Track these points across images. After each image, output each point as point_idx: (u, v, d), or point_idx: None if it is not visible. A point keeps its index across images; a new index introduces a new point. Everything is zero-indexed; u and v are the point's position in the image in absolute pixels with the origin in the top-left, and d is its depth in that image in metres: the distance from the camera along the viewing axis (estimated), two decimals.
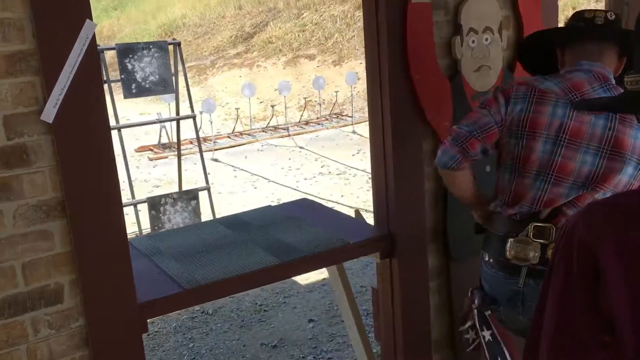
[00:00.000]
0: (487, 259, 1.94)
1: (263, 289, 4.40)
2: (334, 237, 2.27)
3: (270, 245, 2.22)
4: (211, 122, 9.62)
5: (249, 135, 10.56)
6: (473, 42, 2.27)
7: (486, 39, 2.30)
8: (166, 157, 9.20)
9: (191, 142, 9.95)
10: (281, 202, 6.59)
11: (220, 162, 8.95)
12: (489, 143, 1.86)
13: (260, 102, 13.35)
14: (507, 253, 1.84)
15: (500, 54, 2.36)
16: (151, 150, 9.72)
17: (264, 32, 17.93)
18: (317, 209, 2.69)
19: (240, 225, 2.48)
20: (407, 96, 2.20)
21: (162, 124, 9.17)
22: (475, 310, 1.96)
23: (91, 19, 1.63)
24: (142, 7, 23.34)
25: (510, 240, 1.83)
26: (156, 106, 11.90)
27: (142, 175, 8.31)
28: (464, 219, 2.39)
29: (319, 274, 4.38)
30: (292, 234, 2.32)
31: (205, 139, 10.13)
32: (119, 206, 1.70)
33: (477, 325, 1.96)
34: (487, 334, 1.94)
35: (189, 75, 18.52)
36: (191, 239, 2.34)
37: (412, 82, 2.19)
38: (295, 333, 3.84)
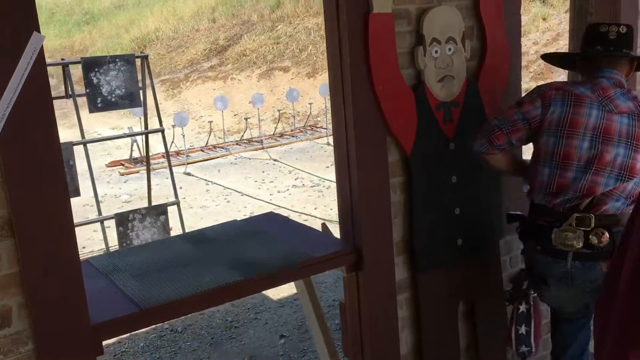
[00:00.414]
0: (535, 247, 2.22)
1: (234, 305, 4.32)
2: (298, 251, 2.23)
3: (232, 261, 2.17)
4: (183, 135, 9.53)
5: (223, 148, 10.48)
6: (436, 52, 2.26)
7: (449, 49, 2.29)
8: (137, 172, 9.07)
9: (163, 156, 9.83)
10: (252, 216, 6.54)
11: (192, 176, 8.86)
12: (514, 137, 2.19)
13: (235, 115, 13.28)
14: (554, 241, 2.12)
15: (464, 64, 2.34)
16: (122, 165, 9.59)
17: (238, 45, 17.90)
18: (283, 222, 2.65)
19: (203, 241, 2.42)
20: (370, 107, 2.17)
21: (134, 138, 9.05)
22: (523, 289, 2.26)
23: (39, 30, 1.57)
24: (115, 21, 23.16)
25: (555, 229, 2.11)
26: (128, 120, 11.76)
27: (113, 191, 8.18)
28: (431, 231, 2.37)
29: (291, 289, 4.32)
30: (255, 249, 2.27)
31: (178, 153, 10.04)
32: (69, 224, 1.63)
33: (517, 298, 2.28)
34: (523, 307, 2.27)
35: (162, 88, 18.37)
36: (152, 257, 2.27)
37: (376, 93, 2.16)
38: (266, 349, 3.77)
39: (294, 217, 6.55)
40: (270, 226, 2.55)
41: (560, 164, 2.12)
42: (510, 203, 2.60)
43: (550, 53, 2.53)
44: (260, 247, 2.29)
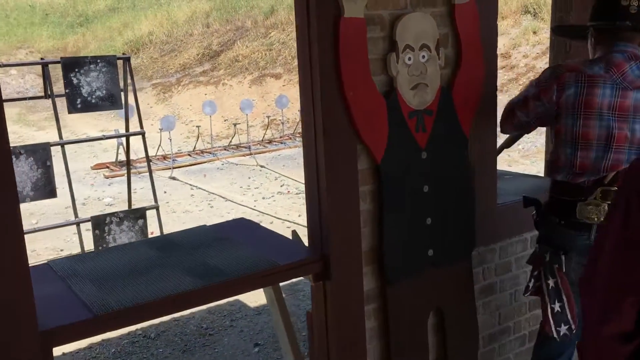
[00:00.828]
0: (559, 221, 2.26)
1: (210, 312, 4.26)
2: (264, 258, 2.18)
3: (196, 267, 2.11)
4: (170, 139, 9.47)
5: (210, 153, 10.42)
6: (409, 59, 2.22)
7: (423, 57, 2.25)
8: (123, 175, 8.98)
9: (150, 160, 9.77)
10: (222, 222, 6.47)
11: (178, 180, 8.79)
12: (539, 124, 2.36)
13: (225, 120, 13.24)
14: (578, 214, 2.17)
15: (438, 71, 2.31)
16: (108, 167, 9.51)
17: (231, 51, 17.88)
18: (252, 229, 2.60)
19: (169, 246, 2.36)
20: (340, 114, 2.13)
21: (120, 141, 8.97)
22: (546, 262, 2.28)
23: None
24: (109, 23, 23.11)
25: (580, 203, 2.17)
26: (117, 123, 11.69)
27: (97, 194, 8.10)
28: (401, 241, 2.33)
29: None
30: (221, 256, 2.22)
31: (164, 157, 9.97)
32: (18, 229, 1.58)
33: (543, 275, 2.30)
34: (551, 282, 2.29)
35: (154, 92, 18.32)
36: (114, 261, 2.22)
37: (346, 99, 2.12)
38: (240, 358, 3.70)
39: (277, 223, 6.50)
40: (239, 232, 2.50)
41: (580, 144, 2.17)
42: (483, 214, 2.56)
43: (564, 25, 2.61)
44: (225, 254, 2.24)
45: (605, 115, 2.13)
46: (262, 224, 6.59)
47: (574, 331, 2.29)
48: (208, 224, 2.70)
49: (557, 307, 2.30)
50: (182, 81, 17.45)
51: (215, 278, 2.01)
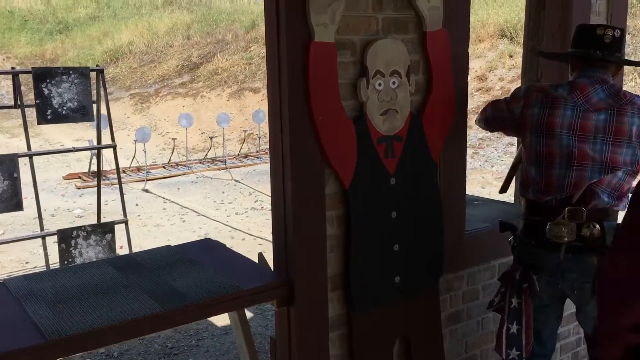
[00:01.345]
0: (530, 241, 2.30)
1: (176, 330, 4.18)
2: (227, 282, 2.14)
3: (156, 290, 2.06)
4: (145, 151, 9.36)
5: (185, 166, 10.32)
6: (379, 85, 2.21)
7: (393, 83, 2.24)
8: (95, 186, 8.84)
9: (124, 172, 9.65)
10: (206, 237, 6.39)
11: (151, 193, 8.68)
12: (502, 129, 2.53)
13: (202, 133, 13.15)
14: (547, 234, 2.19)
15: (408, 98, 2.30)
16: (80, 178, 9.36)
17: (211, 63, 17.83)
18: (218, 250, 2.55)
19: (131, 266, 2.31)
20: (309, 138, 2.11)
21: (94, 151, 8.84)
22: (516, 281, 2.30)
23: None
24: (89, 31, 22.92)
25: (549, 223, 2.19)
26: (92, 133, 11.53)
27: (67, 205, 7.96)
28: (368, 267, 2.30)
29: None
30: (183, 279, 2.17)
31: (139, 169, 9.86)
32: None
33: (509, 293, 2.32)
34: (514, 302, 2.29)
35: (131, 102, 18.16)
36: (73, 281, 2.16)
37: (315, 123, 2.10)
38: None
39: (249, 240, 6.44)
40: (204, 254, 2.45)
41: (545, 162, 2.24)
42: (452, 240, 2.55)
43: (545, 52, 2.81)
44: (189, 277, 2.19)
45: (564, 135, 2.19)
46: (233, 239, 6.52)
47: (524, 359, 2.28)
48: (178, 240, 2.66)
49: (513, 328, 2.31)
50: (160, 92, 17.35)
51: (177, 302, 1.96)
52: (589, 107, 2.18)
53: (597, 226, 2.14)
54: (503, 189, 2.99)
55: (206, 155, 11.18)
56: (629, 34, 11.01)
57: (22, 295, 2.03)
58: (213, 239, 2.79)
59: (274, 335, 2.35)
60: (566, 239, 2.16)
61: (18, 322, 1.83)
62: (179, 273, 2.23)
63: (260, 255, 2.51)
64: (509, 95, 2.43)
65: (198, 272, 2.23)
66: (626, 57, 2.41)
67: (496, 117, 2.46)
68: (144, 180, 9.13)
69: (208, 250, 2.52)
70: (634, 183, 2.20)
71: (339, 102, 2.15)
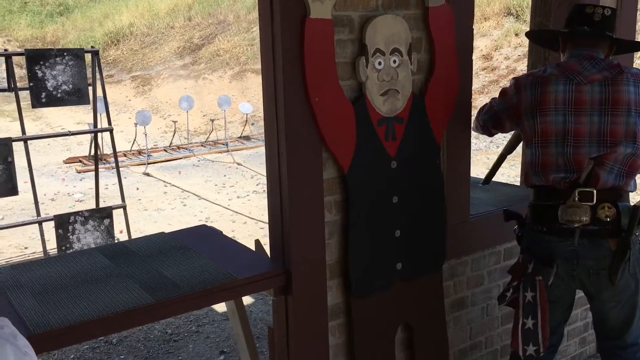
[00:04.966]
0: (541, 229, 2.17)
1: (176, 317, 4.12)
2: (222, 271, 2.05)
3: (148, 280, 1.99)
4: (145, 134, 9.28)
5: (186, 149, 10.24)
6: (379, 63, 2.11)
7: (394, 61, 2.14)
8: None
9: (125, 155, 9.58)
10: (208, 221, 6.31)
11: (152, 176, 8.60)
12: (500, 129, 2.43)
13: (204, 116, 13.04)
14: (560, 218, 2.08)
15: (410, 77, 2.20)
16: (80, 161, 9.29)
17: (212, 45, 17.67)
18: (213, 237, 2.47)
19: (123, 255, 2.23)
20: (305, 120, 2.01)
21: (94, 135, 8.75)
22: (528, 274, 2.18)
23: None
24: (89, 13, 22.74)
25: (561, 206, 2.08)
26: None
27: (67, 189, 7.89)
28: (369, 254, 2.22)
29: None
30: (176, 268, 2.09)
31: (139, 152, 9.78)
32: None
33: (522, 286, 2.19)
34: (529, 295, 2.17)
35: (133, 85, 18.03)
36: (61, 271, 2.08)
37: (311, 104, 2.00)
38: None
39: (250, 224, 6.37)
40: (199, 242, 2.37)
41: (540, 142, 2.15)
42: (455, 225, 2.47)
43: (535, 30, 2.64)
44: (182, 265, 2.11)
45: (560, 110, 2.11)
46: (235, 223, 6.45)
47: (541, 354, 2.19)
48: (178, 224, 2.59)
49: (529, 323, 2.20)
50: (162, 74, 17.22)
51: (169, 292, 1.88)
52: (581, 80, 2.10)
53: (613, 207, 2.05)
54: (486, 180, 2.90)
55: (208, 138, 11.09)
56: None
57: (9, 286, 1.95)
58: (209, 225, 2.70)
59: (271, 325, 2.27)
60: (584, 219, 2.05)
61: (2, 315, 1.75)
62: (172, 261, 2.15)
63: (257, 242, 2.43)
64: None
65: (192, 261, 2.15)
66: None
67: (491, 115, 2.39)
68: (145, 164, 9.05)
69: (203, 238, 2.44)
70: None
71: (336, 82, 2.05)
